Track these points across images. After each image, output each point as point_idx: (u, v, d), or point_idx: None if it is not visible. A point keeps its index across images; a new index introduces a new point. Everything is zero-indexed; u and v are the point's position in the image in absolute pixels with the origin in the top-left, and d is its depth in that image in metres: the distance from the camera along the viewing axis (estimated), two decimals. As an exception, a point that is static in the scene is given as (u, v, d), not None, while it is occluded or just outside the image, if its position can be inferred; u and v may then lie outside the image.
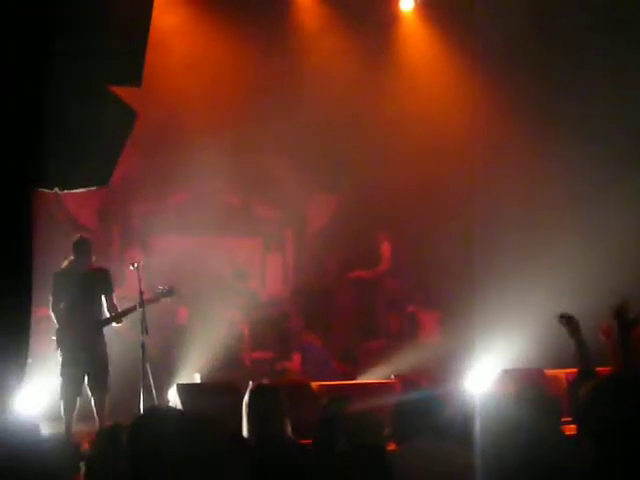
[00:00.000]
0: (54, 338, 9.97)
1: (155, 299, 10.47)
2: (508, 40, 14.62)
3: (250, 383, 9.59)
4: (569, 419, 5.66)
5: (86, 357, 9.85)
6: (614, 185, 13.72)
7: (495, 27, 14.63)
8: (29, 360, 5.50)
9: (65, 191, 5.07)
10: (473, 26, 14.87)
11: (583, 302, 9.39)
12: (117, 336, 10.44)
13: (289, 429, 5.61)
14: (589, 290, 11.94)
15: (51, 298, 10.03)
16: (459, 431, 6.10)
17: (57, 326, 10.00)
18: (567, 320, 6.29)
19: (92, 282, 10.22)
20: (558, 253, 13.88)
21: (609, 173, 13.72)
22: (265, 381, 5.87)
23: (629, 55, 13.83)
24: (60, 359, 9.84)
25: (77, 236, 10.40)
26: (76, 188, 5.08)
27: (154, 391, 10.14)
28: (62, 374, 9.76)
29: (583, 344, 6.15)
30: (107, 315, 10.09)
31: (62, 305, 10.02)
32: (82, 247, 10.15)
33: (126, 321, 10.39)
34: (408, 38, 15.56)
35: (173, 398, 10.01)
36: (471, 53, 15.11)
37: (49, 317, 11.78)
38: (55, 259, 10.49)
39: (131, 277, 11.09)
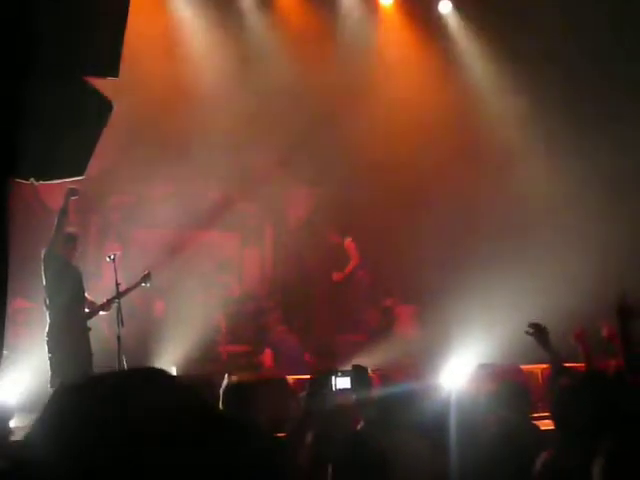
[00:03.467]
0: (48, 334, 9.84)
1: (133, 287, 10.59)
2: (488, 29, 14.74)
3: (225, 377, 9.60)
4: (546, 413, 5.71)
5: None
6: (600, 184, 13.81)
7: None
8: (5, 352, 5.47)
9: (41, 182, 5.04)
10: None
11: (560, 299, 9.45)
12: (93, 328, 10.43)
13: (264, 425, 5.61)
14: (566, 287, 12.01)
15: (51, 283, 9.89)
16: (433, 426, 6.13)
17: (56, 315, 9.87)
18: (536, 331, 6.20)
19: (82, 277, 10.30)
20: (536, 249, 13.95)
21: (593, 171, 13.82)
22: (239, 377, 5.83)
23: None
24: (67, 354, 9.72)
25: (74, 229, 10.42)
26: (52, 179, 5.05)
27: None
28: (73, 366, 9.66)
29: (553, 353, 6.13)
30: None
31: (63, 295, 9.92)
32: (78, 241, 10.27)
33: (102, 313, 10.45)
34: (388, 32, 15.57)
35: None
36: (448, 47, 15.21)
37: (24, 309, 11.72)
38: (31, 250, 10.44)
39: (108, 269, 11.10)
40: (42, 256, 9.91)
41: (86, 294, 10.37)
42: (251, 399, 5.58)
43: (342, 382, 4.37)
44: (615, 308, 5.72)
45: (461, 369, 7.65)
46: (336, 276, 15.10)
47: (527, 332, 6.19)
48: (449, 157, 14.72)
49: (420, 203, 14.85)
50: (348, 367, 4.63)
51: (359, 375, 4.49)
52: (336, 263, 15.12)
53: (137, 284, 10.71)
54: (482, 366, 10.09)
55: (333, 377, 4.33)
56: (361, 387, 4.52)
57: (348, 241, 15.15)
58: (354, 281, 15.19)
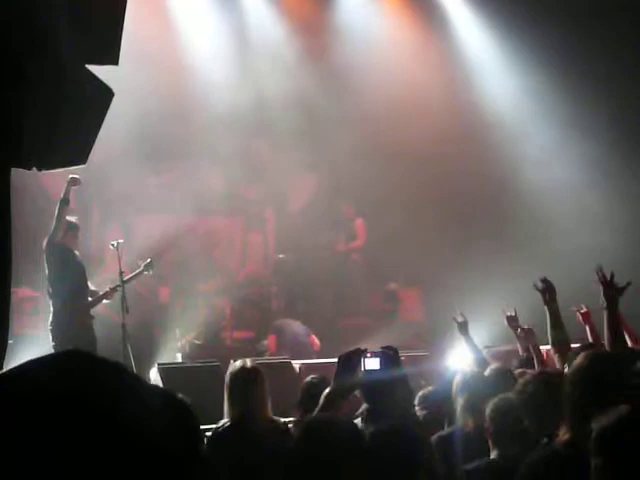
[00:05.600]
0: (52, 322, 9.87)
1: (136, 275, 10.61)
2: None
3: (231, 362, 9.60)
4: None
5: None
6: (609, 165, 13.81)
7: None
8: (10, 341, 5.47)
9: (43, 170, 5.03)
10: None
11: (569, 279, 9.42)
12: (98, 316, 10.45)
13: (269, 409, 5.62)
14: (576, 266, 11.99)
15: (54, 272, 9.92)
16: (440, 407, 6.13)
17: (60, 304, 9.90)
18: (545, 286, 6.19)
19: (84, 265, 10.33)
20: (543, 232, 13.95)
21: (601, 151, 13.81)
22: (245, 361, 5.83)
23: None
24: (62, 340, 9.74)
25: (75, 218, 10.43)
26: (54, 167, 5.04)
27: (135, 371, 10.15)
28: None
29: (557, 313, 6.08)
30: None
31: (66, 283, 9.94)
32: (79, 230, 10.30)
33: (105, 301, 10.48)
34: (389, 17, 15.50)
35: (154, 378, 10.00)
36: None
37: (30, 298, 11.74)
38: (36, 239, 10.46)
39: (111, 257, 11.11)
40: (44, 245, 9.93)
41: (88, 283, 10.38)
42: (256, 386, 5.58)
43: (371, 363, 4.34)
44: (603, 287, 5.68)
45: (467, 352, 7.66)
46: (339, 247, 15.21)
47: (536, 286, 6.18)
48: (453, 140, 14.66)
49: (426, 186, 14.81)
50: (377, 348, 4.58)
51: (389, 356, 4.46)
52: (341, 239, 15.25)
53: (140, 272, 10.72)
54: (488, 349, 10.09)
55: (362, 358, 4.30)
56: (392, 368, 4.49)
57: (359, 221, 15.20)
58: (349, 262, 15.27)
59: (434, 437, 5.39)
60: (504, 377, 6.02)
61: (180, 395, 1.37)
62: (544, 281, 6.20)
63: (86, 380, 1.23)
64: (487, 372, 6.13)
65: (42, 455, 1.16)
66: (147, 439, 1.21)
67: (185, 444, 1.28)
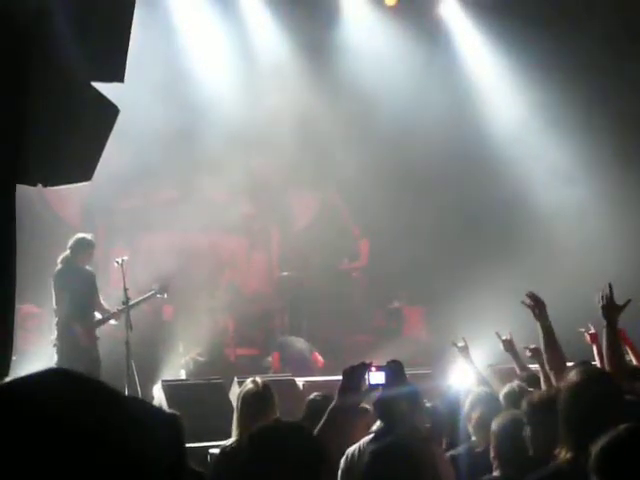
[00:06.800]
0: (54, 338, 9.88)
1: (149, 297, 10.59)
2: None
3: (235, 380, 9.60)
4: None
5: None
6: (616, 188, 13.82)
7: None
8: (14, 357, 5.47)
9: (48, 187, 5.05)
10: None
11: (577, 299, 9.40)
12: (102, 333, 10.44)
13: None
14: (583, 286, 11.97)
15: (64, 290, 9.94)
16: (444, 424, 6.12)
17: (63, 322, 9.89)
18: (534, 302, 5.89)
19: (93, 281, 10.31)
20: (550, 249, 13.94)
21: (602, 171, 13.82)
22: (256, 380, 5.81)
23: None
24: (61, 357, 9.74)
25: (91, 235, 10.46)
26: (59, 184, 5.06)
27: (139, 388, 10.15)
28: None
29: (550, 330, 5.86)
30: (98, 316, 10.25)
31: (72, 301, 9.93)
32: (95, 248, 10.27)
33: (114, 322, 10.47)
34: (390, 32, 15.52)
35: (158, 395, 10.00)
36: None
37: (34, 314, 11.75)
38: (41, 257, 10.48)
39: (115, 274, 11.11)
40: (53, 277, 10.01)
41: (101, 300, 10.37)
42: (267, 409, 5.58)
43: (376, 377, 4.30)
44: (602, 305, 5.53)
45: (470, 370, 7.65)
46: (342, 265, 15.27)
47: (524, 302, 5.94)
48: (459, 159, 14.67)
49: (430, 205, 14.82)
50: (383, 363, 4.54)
51: (395, 370, 4.43)
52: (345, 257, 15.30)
53: (152, 295, 10.68)
54: (491, 366, 10.06)
55: (367, 372, 4.26)
56: (397, 383, 4.46)
57: (364, 242, 15.25)
58: (352, 280, 15.32)
59: (447, 456, 5.39)
60: (521, 396, 5.95)
61: (169, 409, 1.38)
62: (531, 296, 5.93)
63: (68, 398, 1.24)
64: (504, 390, 6.08)
65: (20, 472, 1.17)
66: (131, 454, 1.22)
67: (171, 456, 1.29)
